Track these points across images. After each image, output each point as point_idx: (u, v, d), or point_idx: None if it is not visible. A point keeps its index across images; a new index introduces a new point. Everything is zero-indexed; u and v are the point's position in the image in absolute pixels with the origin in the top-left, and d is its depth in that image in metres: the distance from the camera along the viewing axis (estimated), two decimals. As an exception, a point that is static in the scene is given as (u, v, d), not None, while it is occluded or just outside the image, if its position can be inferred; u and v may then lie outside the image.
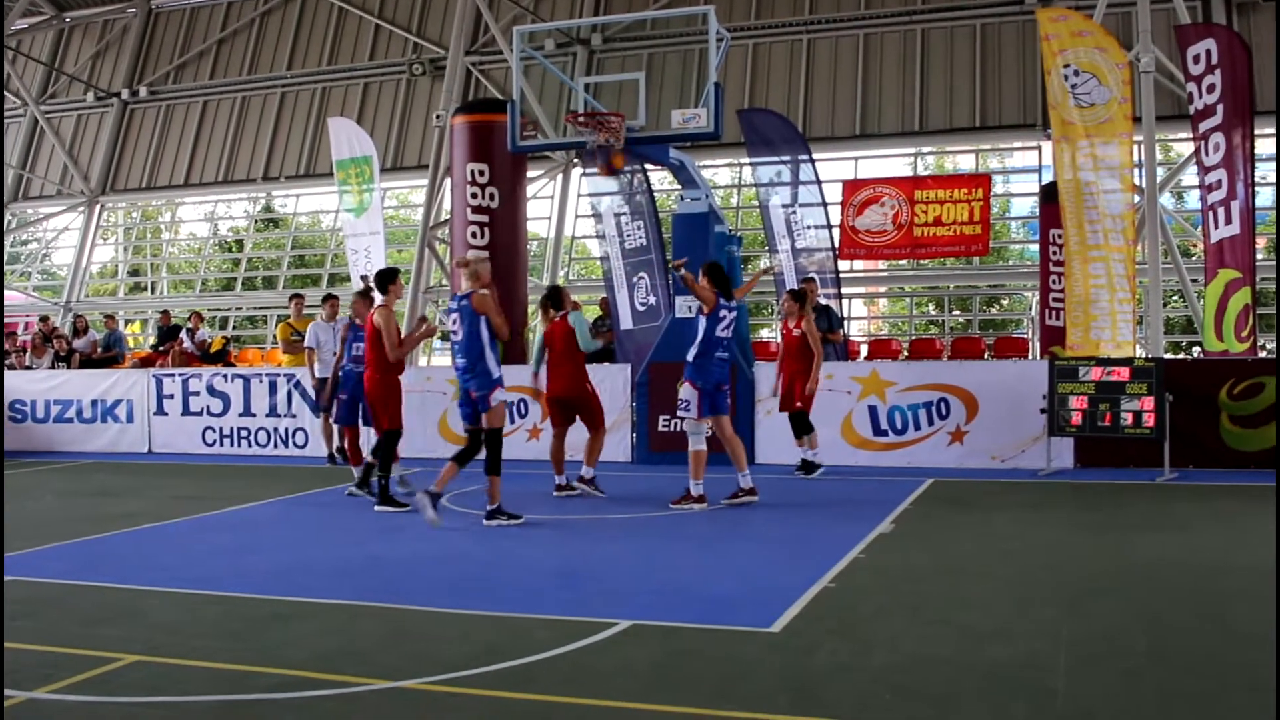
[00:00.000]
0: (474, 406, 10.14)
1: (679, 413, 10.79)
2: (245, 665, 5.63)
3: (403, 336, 11.20)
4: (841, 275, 18.96)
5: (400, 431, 11.38)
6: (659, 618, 6.45)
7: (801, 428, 12.69)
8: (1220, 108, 14.22)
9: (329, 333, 14.53)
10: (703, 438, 10.63)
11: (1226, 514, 10.13)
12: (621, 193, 18.12)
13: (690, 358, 10.67)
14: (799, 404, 12.56)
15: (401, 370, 11.40)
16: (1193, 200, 22.42)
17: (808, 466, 12.68)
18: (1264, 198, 20.21)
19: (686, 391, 10.62)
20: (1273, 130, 18.33)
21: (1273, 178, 20.11)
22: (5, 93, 29.32)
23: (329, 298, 15.42)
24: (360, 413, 12.29)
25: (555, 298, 11.88)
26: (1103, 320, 14.66)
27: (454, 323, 10.33)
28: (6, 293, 29.67)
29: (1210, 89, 14.26)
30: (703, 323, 10.70)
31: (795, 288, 13.80)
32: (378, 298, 11.29)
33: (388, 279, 11.36)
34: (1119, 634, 6.01)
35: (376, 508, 11.02)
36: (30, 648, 6.02)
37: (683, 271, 10.92)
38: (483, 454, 10.06)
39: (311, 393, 15.33)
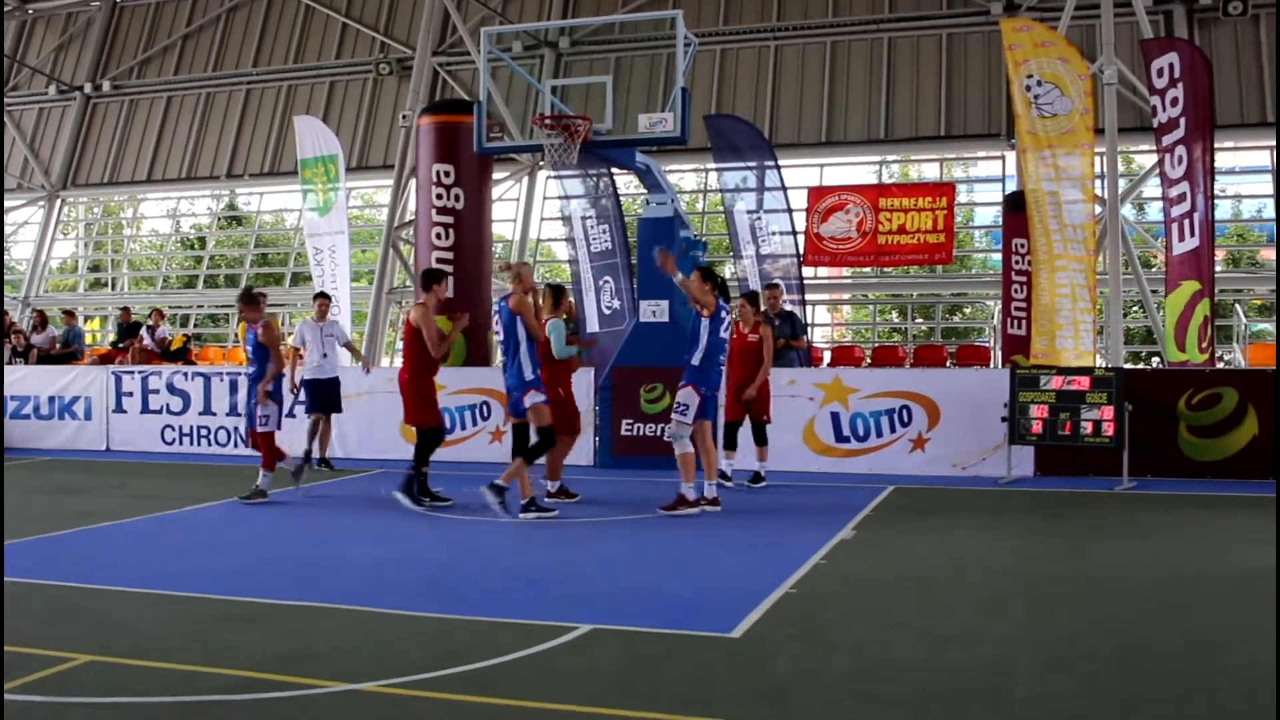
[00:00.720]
0: (516, 400, 10.62)
1: (674, 415, 10.57)
2: (201, 666, 5.57)
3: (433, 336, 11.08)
4: (805, 282, 18.99)
5: (440, 429, 11.43)
6: (621, 622, 6.44)
7: (761, 438, 12.51)
8: (1183, 121, 14.37)
9: (316, 332, 14.28)
10: (689, 441, 10.53)
11: (1185, 522, 10.21)
12: (588, 196, 18.12)
13: (694, 361, 10.49)
14: (766, 417, 12.45)
15: (436, 370, 11.39)
16: (1154, 212, 22.63)
17: (757, 477, 12.45)
18: (1222, 210, 20.47)
19: (687, 395, 10.46)
20: (1230, 144, 18.57)
21: (1231, 191, 20.36)
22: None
23: (320, 296, 15.12)
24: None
25: (554, 298, 11.56)
26: (1067, 329, 14.79)
27: (496, 323, 10.82)
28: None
29: (1174, 102, 14.40)
30: (705, 326, 10.50)
31: (751, 290, 13.66)
32: (418, 297, 11.41)
33: (431, 279, 11.45)
34: (1080, 639, 6.05)
35: (396, 493, 11.00)
36: (-17, 647, 5.94)
37: (676, 276, 10.82)
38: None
39: (289, 393, 14.76)
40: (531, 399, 10.39)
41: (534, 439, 10.59)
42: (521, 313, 10.42)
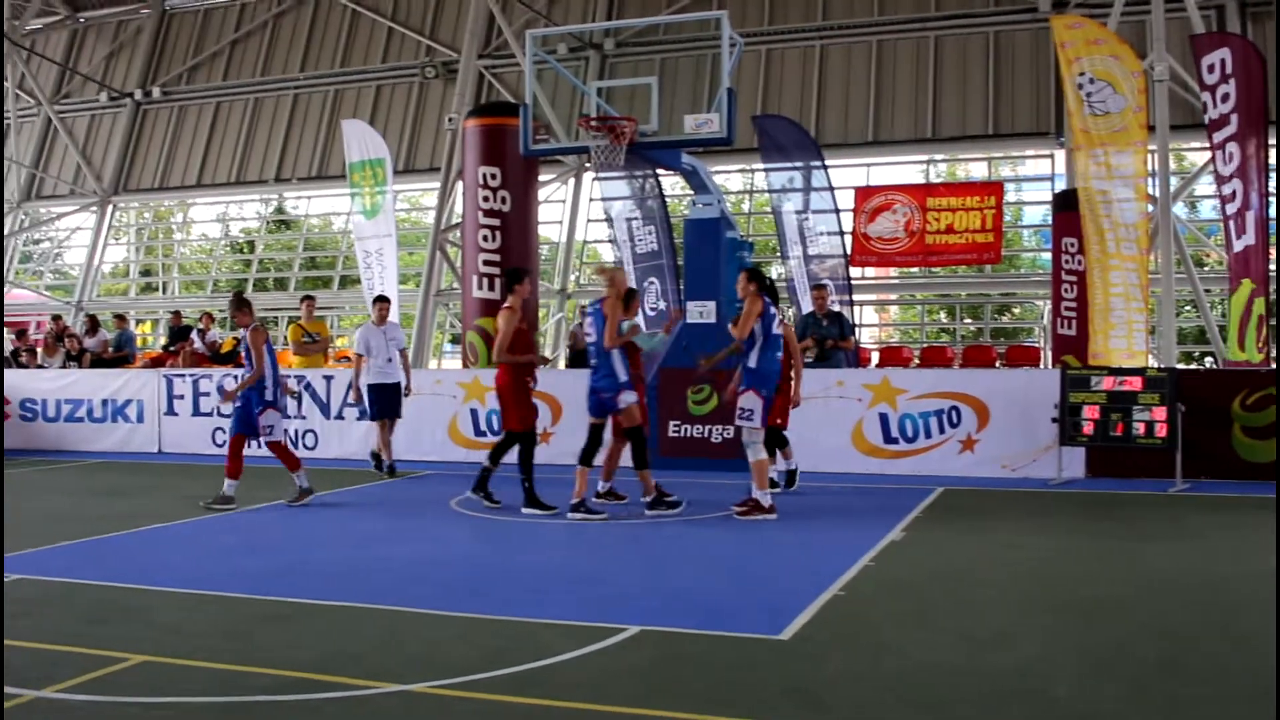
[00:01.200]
0: (600, 401, 10.73)
1: (739, 421, 10.41)
2: (249, 666, 5.60)
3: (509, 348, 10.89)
4: (853, 282, 18.91)
5: (533, 433, 11.18)
6: (667, 623, 6.41)
7: (778, 441, 11.90)
8: (1234, 117, 14.14)
9: (380, 337, 14.06)
10: (762, 446, 10.41)
11: (1237, 525, 10.05)
12: (633, 197, 18.12)
13: (750, 364, 10.40)
14: (778, 419, 11.59)
15: (529, 372, 11.15)
16: (1206, 210, 22.35)
17: (791, 477, 12.11)
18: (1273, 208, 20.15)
19: (750, 400, 10.30)
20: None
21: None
22: (20, 92, 29.43)
23: (380, 300, 14.74)
24: (249, 422, 11.39)
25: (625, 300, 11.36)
26: (1120, 329, 14.62)
27: (589, 326, 10.94)
28: (19, 292, 29.82)
29: (1225, 98, 14.17)
30: (758, 328, 10.39)
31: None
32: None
33: (513, 279, 11.29)
34: (1126, 643, 5.96)
35: (524, 509, 10.76)
36: (34, 646, 6.00)
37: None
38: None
39: (362, 399, 14.69)
40: (625, 399, 10.54)
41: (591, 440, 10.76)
42: (606, 316, 10.51)
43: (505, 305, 11.08)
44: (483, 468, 11.18)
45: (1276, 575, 6.88)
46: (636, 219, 18.08)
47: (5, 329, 20.05)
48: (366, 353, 14.00)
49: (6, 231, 29.64)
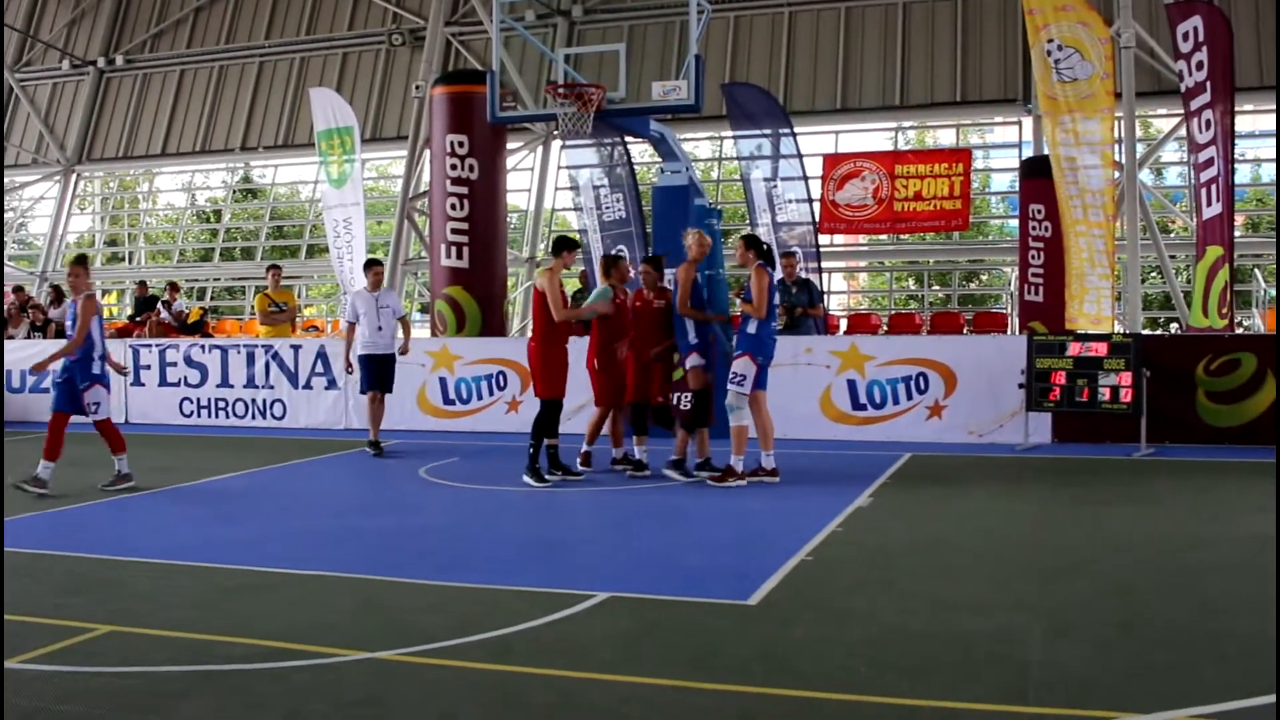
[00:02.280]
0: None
1: (731, 386, 10.31)
2: (219, 635, 5.61)
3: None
4: (821, 249, 18.95)
5: (560, 402, 10.80)
6: (636, 590, 6.45)
7: (665, 420, 11.24)
8: (1209, 85, 14.18)
9: (371, 304, 13.36)
10: (746, 411, 10.36)
11: (1202, 489, 10.17)
12: (601, 165, 18.07)
13: (752, 331, 10.29)
14: (660, 397, 11.17)
15: (564, 339, 10.80)
16: (1172, 177, 22.48)
17: (638, 465, 11.19)
18: (1241, 175, 20.29)
19: (743, 365, 10.21)
20: (1249, 107, 18.38)
21: (1250, 155, 20.17)
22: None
23: (373, 264, 14.09)
24: (73, 399, 10.56)
25: (605, 266, 11.50)
26: (1090, 295, 14.73)
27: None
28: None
29: (1199, 66, 14.19)
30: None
31: (656, 255, 12.05)
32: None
33: (562, 245, 10.99)
34: (1091, 606, 6.04)
35: (525, 478, 10.54)
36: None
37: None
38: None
39: (346, 370, 14.11)
40: (691, 361, 10.71)
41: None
42: (681, 283, 10.65)
43: (547, 268, 10.83)
44: (530, 449, 10.64)
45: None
46: (604, 187, 18.04)
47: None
48: (357, 320, 13.43)
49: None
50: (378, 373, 13.43)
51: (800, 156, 18.69)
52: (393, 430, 14.54)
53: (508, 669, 5.06)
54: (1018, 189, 19.57)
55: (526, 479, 10.50)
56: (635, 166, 18.79)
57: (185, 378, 16.64)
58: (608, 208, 17.94)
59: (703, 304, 10.89)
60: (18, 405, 17.57)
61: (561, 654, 5.28)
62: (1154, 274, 22.57)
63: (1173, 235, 21.61)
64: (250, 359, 16.29)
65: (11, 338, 19.65)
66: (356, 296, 13.76)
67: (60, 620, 5.90)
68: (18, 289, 22.40)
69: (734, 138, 20.22)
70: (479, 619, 5.83)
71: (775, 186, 18.66)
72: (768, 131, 18.81)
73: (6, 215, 31.90)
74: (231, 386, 16.41)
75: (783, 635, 5.58)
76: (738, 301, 10.77)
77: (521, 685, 4.88)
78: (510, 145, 19.93)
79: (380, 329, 13.38)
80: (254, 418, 16.22)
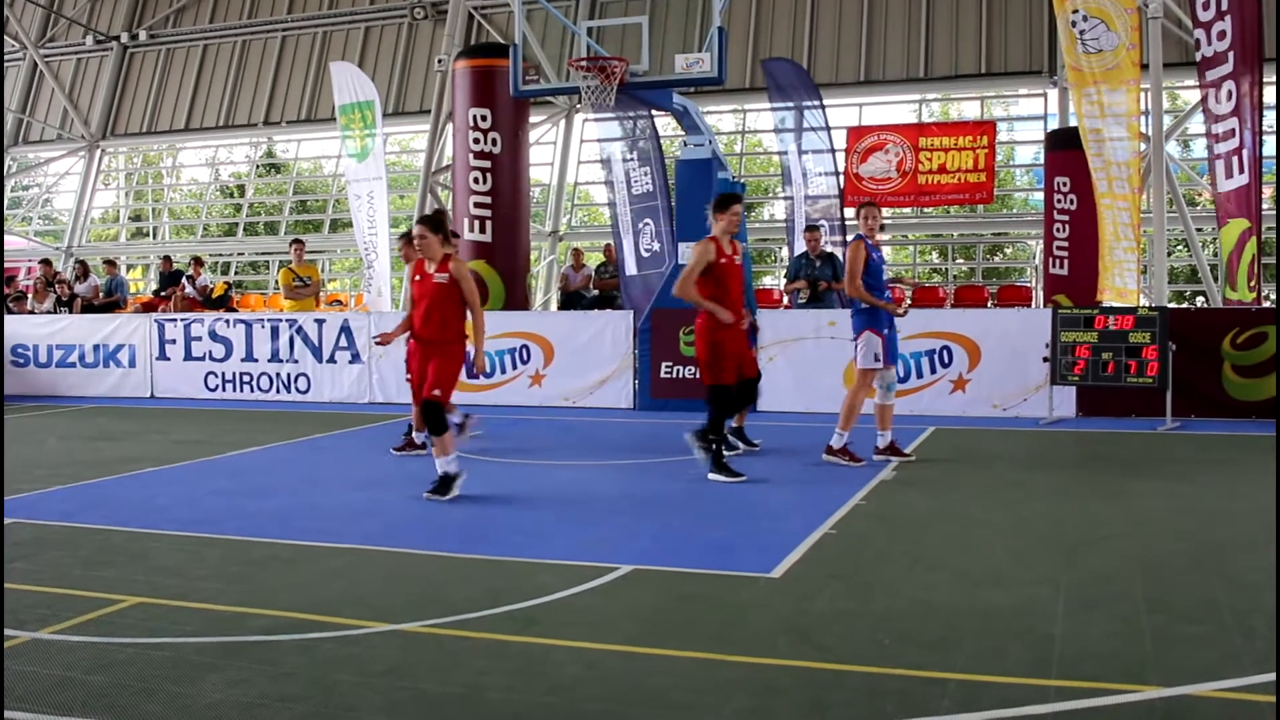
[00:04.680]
0: None
1: (862, 364, 9.85)
2: (245, 607, 5.65)
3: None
4: (846, 223, 18.88)
5: (730, 388, 9.47)
6: (660, 562, 6.47)
7: (436, 424, 8.75)
8: (1231, 55, 14.03)
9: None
10: (893, 391, 10.08)
11: (1227, 463, 10.12)
12: (627, 138, 18.03)
13: (864, 305, 9.85)
14: (435, 390, 8.75)
15: (737, 315, 9.39)
16: (1199, 149, 22.28)
17: (443, 483, 8.70)
18: (1269, 146, 20.07)
19: (868, 341, 9.83)
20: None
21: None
22: (4, 37, 29.14)
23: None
24: None
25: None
26: (1113, 269, 14.64)
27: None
28: (8, 238, 29.67)
29: (1220, 35, 14.03)
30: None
31: (430, 215, 9.26)
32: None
33: (728, 201, 9.54)
34: (1117, 580, 6.02)
35: (711, 476, 9.31)
36: (32, 589, 6.04)
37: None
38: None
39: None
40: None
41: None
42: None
43: (709, 237, 9.50)
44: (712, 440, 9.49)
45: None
46: (632, 160, 18.02)
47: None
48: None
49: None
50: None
51: (829, 129, 18.64)
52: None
53: (533, 640, 5.08)
54: (1043, 162, 19.45)
55: (715, 476, 9.27)
56: (662, 139, 18.74)
57: (210, 352, 16.71)
58: (635, 181, 17.92)
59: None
60: (43, 380, 17.67)
61: (587, 626, 5.30)
62: (1180, 247, 22.40)
63: (1199, 208, 21.44)
64: (274, 333, 16.35)
65: (33, 312, 19.77)
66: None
67: (89, 592, 5.95)
68: (44, 263, 22.52)
69: (773, 110, 19.97)
70: (504, 591, 5.86)
71: (807, 159, 18.65)
72: (805, 103, 18.77)
73: (31, 191, 32.08)
74: (256, 361, 16.48)
75: (806, 608, 5.58)
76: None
77: (547, 656, 4.90)
78: (533, 119, 19.91)
79: None
80: (278, 392, 16.30)
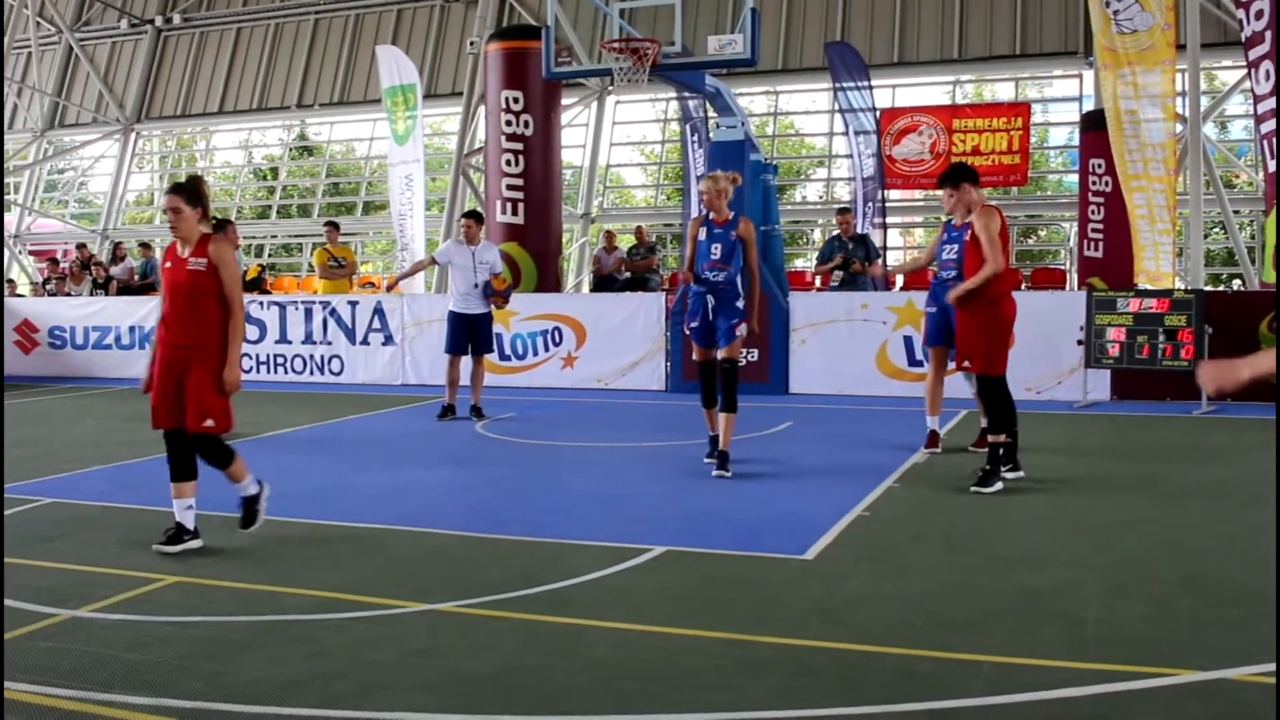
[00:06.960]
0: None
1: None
2: (281, 587, 5.70)
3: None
4: (886, 204, 18.90)
5: (1001, 378, 8.30)
6: (694, 544, 6.48)
7: (219, 457, 6.71)
8: (1268, 35, 13.86)
9: (466, 257, 12.14)
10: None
11: (1262, 447, 10.02)
12: (696, 117, 18.37)
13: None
14: (207, 421, 6.53)
15: (1004, 291, 8.29)
16: (1237, 130, 22.09)
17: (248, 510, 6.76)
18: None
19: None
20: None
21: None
22: (40, 20, 29.33)
23: (471, 216, 12.62)
24: None
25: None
26: (1147, 251, 14.51)
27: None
28: (45, 221, 29.95)
29: (1259, 15, 13.87)
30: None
31: (184, 183, 6.67)
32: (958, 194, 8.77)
33: (958, 179, 8.79)
34: (1151, 563, 6.00)
35: (975, 487, 8.00)
36: (70, 567, 6.12)
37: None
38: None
39: (387, 287, 13.56)
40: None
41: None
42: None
43: (985, 205, 8.51)
44: (997, 443, 8.30)
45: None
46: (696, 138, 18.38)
47: (34, 259, 20.13)
48: (440, 263, 12.80)
49: (31, 160, 29.71)
50: (461, 333, 12.26)
51: (875, 111, 18.67)
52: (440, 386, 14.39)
53: (567, 621, 5.10)
54: (1077, 143, 19.32)
55: (980, 489, 7.98)
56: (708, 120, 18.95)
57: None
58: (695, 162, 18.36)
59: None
60: (80, 361, 17.83)
61: (620, 606, 5.32)
62: (1217, 229, 22.22)
63: (1236, 189, 21.25)
64: (308, 315, 16.44)
65: (69, 294, 19.94)
66: (451, 245, 12.51)
67: (127, 570, 6.01)
68: (80, 246, 22.71)
69: (837, 89, 19.82)
70: (538, 571, 5.88)
71: (860, 141, 18.69)
72: (863, 83, 18.83)
73: (67, 174, 32.32)
74: (289, 343, 16.58)
75: (839, 589, 5.59)
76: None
77: (580, 636, 4.92)
78: (565, 101, 19.91)
79: (476, 286, 12.17)
80: (311, 373, 16.40)
